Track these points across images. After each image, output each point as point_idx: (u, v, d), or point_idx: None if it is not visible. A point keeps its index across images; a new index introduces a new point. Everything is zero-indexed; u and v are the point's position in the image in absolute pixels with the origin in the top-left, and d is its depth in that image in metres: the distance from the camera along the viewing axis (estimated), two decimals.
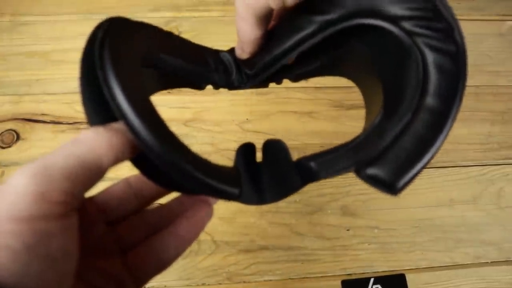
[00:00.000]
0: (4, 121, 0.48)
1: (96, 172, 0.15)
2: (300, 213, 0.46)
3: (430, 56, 0.18)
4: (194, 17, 0.56)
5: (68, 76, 0.51)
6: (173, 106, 0.50)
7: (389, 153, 0.18)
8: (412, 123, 0.18)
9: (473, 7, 0.64)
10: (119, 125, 0.16)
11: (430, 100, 0.18)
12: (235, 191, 0.18)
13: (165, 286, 0.42)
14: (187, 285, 0.42)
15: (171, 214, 0.21)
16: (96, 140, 0.15)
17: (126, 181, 0.21)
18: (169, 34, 0.23)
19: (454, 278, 0.45)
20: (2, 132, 0.48)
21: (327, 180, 0.50)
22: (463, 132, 0.54)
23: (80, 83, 0.17)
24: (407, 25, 0.18)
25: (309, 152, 0.49)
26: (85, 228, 0.17)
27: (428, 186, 0.50)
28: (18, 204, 0.13)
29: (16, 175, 0.13)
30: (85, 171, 0.15)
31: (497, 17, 0.64)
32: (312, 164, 0.21)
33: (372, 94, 0.24)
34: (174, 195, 0.23)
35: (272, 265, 0.43)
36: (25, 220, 0.13)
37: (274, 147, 0.23)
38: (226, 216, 0.45)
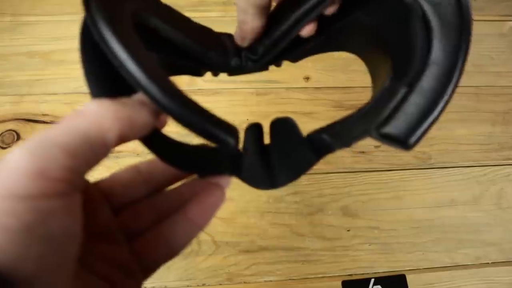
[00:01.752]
0: (4, 121, 0.48)
1: (100, 148, 0.14)
2: (300, 213, 0.46)
3: (431, 12, 0.18)
4: (194, 17, 0.55)
5: (68, 76, 0.51)
6: None
7: (401, 111, 0.18)
8: (421, 79, 0.18)
9: (474, 7, 0.64)
10: (126, 99, 0.15)
11: (436, 54, 0.18)
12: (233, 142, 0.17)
13: (165, 287, 0.42)
14: (188, 286, 0.42)
15: (181, 199, 0.20)
16: (100, 113, 0.14)
17: (135, 167, 0.20)
18: (170, 8, 0.22)
19: (454, 278, 0.45)
20: (3, 133, 0.48)
21: (327, 180, 0.51)
22: (464, 132, 0.54)
23: (81, 52, 0.16)
24: None
25: None
26: (89, 213, 0.16)
27: (429, 187, 0.49)
28: (16, 181, 0.12)
29: (14, 151, 0.12)
30: (88, 146, 0.13)
31: (498, 18, 0.64)
32: (325, 136, 0.20)
33: (377, 63, 0.23)
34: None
35: (273, 266, 0.43)
36: (23, 198, 0.12)
37: (283, 125, 0.22)
38: (226, 216, 0.45)
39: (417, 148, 0.52)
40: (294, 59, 0.25)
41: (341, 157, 0.50)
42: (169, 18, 0.21)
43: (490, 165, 0.52)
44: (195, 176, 0.20)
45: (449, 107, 0.58)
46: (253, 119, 0.50)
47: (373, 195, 0.48)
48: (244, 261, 0.43)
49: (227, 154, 0.20)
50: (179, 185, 0.21)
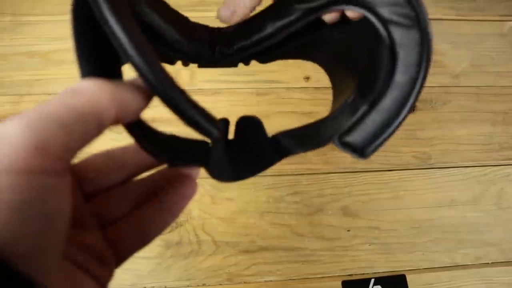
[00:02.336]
0: None
1: (95, 127, 0.13)
2: (300, 213, 0.46)
3: (399, 41, 0.20)
4: (194, 17, 0.56)
5: (68, 76, 0.51)
6: None
7: (361, 125, 0.20)
8: (381, 100, 0.20)
9: (474, 7, 0.64)
10: (120, 81, 0.15)
11: (398, 79, 0.20)
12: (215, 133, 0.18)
13: (165, 287, 0.42)
14: (188, 286, 0.42)
15: (154, 187, 0.20)
16: (96, 93, 0.14)
17: (108, 153, 0.19)
18: None
19: (454, 278, 0.45)
20: None
21: (328, 180, 0.51)
22: (464, 132, 0.54)
23: (73, 31, 0.16)
24: (381, 12, 0.20)
25: (310, 153, 0.49)
26: None
27: (429, 187, 0.49)
28: (15, 156, 0.11)
29: (9, 125, 0.12)
30: (83, 125, 0.13)
31: (498, 18, 0.64)
32: (289, 139, 0.22)
33: (342, 79, 0.25)
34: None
35: (273, 266, 0.43)
36: (23, 174, 0.11)
37: (249, 123, 0.23)
38: (226, 216, 0.45)
39: (417, 148, 0.52)
40: (264, 61, 0.26)
41: (341, 157, 0.50)
42: (151, 1, 0.21)
43: (490, 165, 0.52)
44: (165, 166, 0.21)
45: (449, 107, 0.58)
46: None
47: (373, 195, 0.48)
48: (244, 261, 0.43)
49: (205, 146, 0.21)
50: (151, 174, 0.21)
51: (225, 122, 0.23)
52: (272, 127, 0.52)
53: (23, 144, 0.12)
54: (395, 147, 0.51)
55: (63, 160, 0.13)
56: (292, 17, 0.21)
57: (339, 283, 0.43)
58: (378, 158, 0.50)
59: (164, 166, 0.21)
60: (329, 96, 0.56)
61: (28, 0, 0.57)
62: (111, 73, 0.16)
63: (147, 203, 0.19)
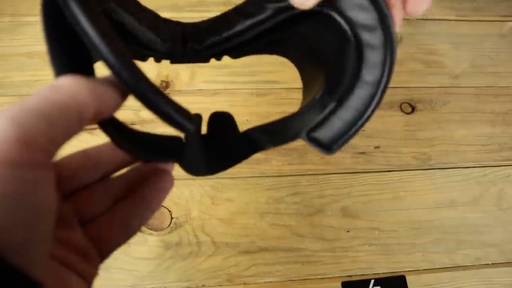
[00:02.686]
0: None
1: (77, 121, 0.14)
2: (300, 214, 0.46)
3: (365, 40, 0.20)
4: (194, 17, 0.56)
5: None
6: None
7: (329, 121, 0.21)
8: (348, 98, 0.21)
9: (474, 8, 0.64)
10: (97, 78, 0.16)
11: (364, 79, 0.21)
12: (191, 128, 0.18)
13: None
14: (187, 287, 0.42)
15: (131, 183, 0.21)
16: (76, 88, 0.14)
17: (83, 152, 0.20)
18: None
19: (454, 279, 0.45)
20: None
21: (327, 181, 0.51)
22: (464, 133, 0.54)
23: (44, 29, 0.16)
24: (349, 14, 0.21)
25: (310, 154, 0.49)
26: None
27: (429, 188, 0.49)
28: (1, 149, 0.11)
29: None
30: (65, 119, 0.13)
31: (498, 18, 0.64)
32: (260, 134, 0.23)
33: (311, 75, 0.26)
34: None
35: (272, 267, 0.43)
36: (9, 166, 0.12)
37: (221, 119, 0.24)
38: (226, 217, 0.45)
39: (417, 149, 0.52)
40: (235, 56, 0.26)
41: (341, 158, 0.50)
42: (122, 1, 0.21)
43: (490, 166, 0.52)
44: (140, 162, 0.21)
45: (449, 108, 0.58)
46: (253, 120, 0.50)
47: (373, 196, 0.48)
48: (243, 262, 0.43)
49: (179, 142, 0.22)
50: (128, 171, 0.21)
51: (198, 117, 0.23)
52: None
53: (7, 137, 0.12)
54: (395, 148, 0.51)
55: (47, 153, 0.13)
56: (262, 16, 0.22)
57: (339, 284, 0.43)
58: (377, 159, 0.50)
59: (139, 163, 0.21)
60: None
61: (27, 0, 0.57)
62: (85, 71, 0.17)
63: (125, 199, 0.20)
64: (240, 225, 0.45)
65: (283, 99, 0.52)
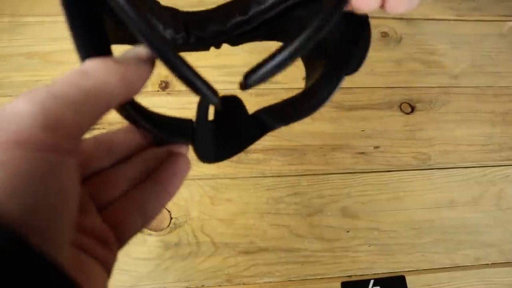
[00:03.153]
0: None
1: (105, 107, 0.14)
2: (299, 214, 0.46)
3: (350, 21, 0.21)
4: None
5: None
6: (172, 107, 0.50)
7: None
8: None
9: (474, 7, 0.64)
10: (123, 57, 0.15)
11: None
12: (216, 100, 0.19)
13: None
14: (187, 287, 0.42)
15: (147, 167, 0.20)
16: (106, 73, 0.14)
17: (94, 138, 0.20)
18: None
19: (454, 279, 0.45)
20: None
21: (327, 181, 0.51)
22: (464, 133, 0.54)
23: (67, 9, 0.16)
24: None
25: (309, 154, 0.49)
26: None
27: (428, 188, 0.49)
28: (29, 131, 0.11)
29: (19, 102, 0.12)
30: (93, 106, 0.13)
31: (497, 18, 0.64)
32: (270, 114, 0.23)
33: (311, 58, 0.26)
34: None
35: (272, 267, 0.43)
36: (37, 149, 0.12)
37: (230, 103, 0.23)
38: (225, 217, 0.45)
39: (416, 149, 0.52)
40: (235, 43, 0.26)
41: (340, 158, 0.50)
42: None
43: (489, 166, 0.52)
44: (154, 146, 0.21)
45: (449, 108, 0.58)
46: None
47: (372, 196, 0.48)
48: (243, 262, 0.43)
49: (190, 125, 0.22)
50: (143, 154, 0.21)
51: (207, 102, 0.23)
52: None
53: (35, 121, 0.12)
54: (394, 148, 0.51)
55: (73, 139, 0.13)
56: (266, 5, 0.22)
57: (339, 284, 0.43)
58: (377, 159, 0.50)
59: (154, 147, 0.21)
60: None
61: (27, 1, 0.57)
62: (107, 52, 0.17)
63: (142, 183, 0.20)
64: (240, 226, 0.45)
65: (282, 99, 0.52)
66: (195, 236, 0.44)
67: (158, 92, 0.51)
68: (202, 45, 0.24)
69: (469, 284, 0.45)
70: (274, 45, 0.28)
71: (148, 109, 0.20)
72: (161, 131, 0.19)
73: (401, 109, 0.54)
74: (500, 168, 0.52)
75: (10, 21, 0.55)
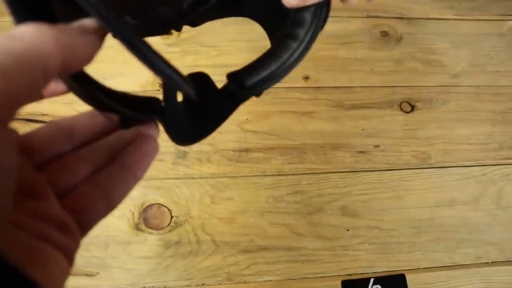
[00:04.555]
0: None
1: (41, 74, 0.12)
2: (300, 213, 0.46)
3: None
4: None
5: None
6: None
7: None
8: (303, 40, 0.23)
9: (473, 7, 0.64)
10: (65, 25, 0.14)
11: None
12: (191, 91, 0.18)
13: (165, 287, 0.42)
14: (187, 285, 0.42)
15: (112, 150, 0.19)
16: (39, 37, 0.12)
17: (54, 123, 0.19)
18: None
19: (454, 278, 0.45)
20: None
21: (327, 180, 0.51)
22: (464, 132, 0.54)
23: None
24: None
25: (309, 153, 0.49)
26: None
27: (428, 186, 0.49)
28: None
29: None
30: (26, 72, 0.12)
31: (497, 17, 0.64)
32: (239, 86, 0.22)
33: (272, 25, 0.26)
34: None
35: (272, 266, 0.43)
36: None
37: (198, 79, 0.23)
38: (226, 216, 0.45)
39: (417, 148, 0.52)
40: (195, 24, 0.25)
41: (341, 157, 0.50)
42: None
43: (489, 165, 0.52)
44: (120, 129, 0.20)
45: (449, 107, 0.58)
46: (253, 119, 0.50)
47: (372, 195, 0.48)
48: (243, 261, 0.43)
49: (157, 103, 0.20)
50: (108, 137, 0.20)
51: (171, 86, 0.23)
52: (272, 127, 0.53)
53: None
54: (394, 147, 0.51)
55: (7, 109, 0.12)
56: None
57: (339, 283, 0.43)
58: (377, 158, 0.50)
59: (119, 131, 0.20)
60: (328, 95, 0.56)
61: None
62: (48, 18, 0.15)
63: (107, 166, 0.18)
64: (240, 224, 0.45)
65: (282, 98, 0.52)
66: (195, 235, 0.44)
67: (159, 92, 0.51)
68: (162, 29, 0.23)
69: (469, 282, 0.45)
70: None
71: (108, 87, 0.18)
72: (124, 108, 0.18)
73: (401, 108, 0.54)
74: (500, 167, 0.52)
75: (10, 20, 0.55)
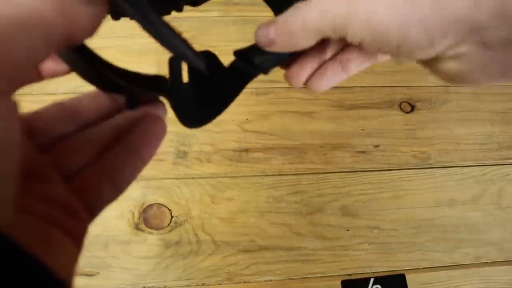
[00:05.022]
0: None
1: (42, 42, 0.11)
2: (300, 213, 0.46)
3: None
4: (194, 17, 0.56)
5: (67, 76, 0.51)
6: None
7: None
8: None
9: None
10: None
11: None
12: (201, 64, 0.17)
13: (165, 286, 0.42)
14: (187, 285, 0.42)
15: (118, 131, 0.18)
16: (41, 2, 0.11)
17: (58, 104, 0.18)
18: None
19: (454, 278, 0.45)
20: None
21: (327, 180, 0.51)
22: (463, 132, 0.54)
23: None
24: None
25: (309, 153, 0.49)
26: None
27: (428, 186, 0.49)
28: None
29: None
30: (27, 38, 0.11)
31: None
32: (246, 60, 0.21)
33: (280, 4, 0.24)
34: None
35: (272, 265, 0.43)
36: None
37: (205, 58, 0.22)
38: (226, 216, 0.45)
39: (416, 148, 0.52)
40: (195, 4, 0.24)
41: (341, 157, 0.50)
42: None
43: (489, 165, 0.52)
44: (126, 109, 0.19)
45: (449, 107, 0.58)
46: (253, 119, 0.50)
47: (372, 195, 0.48)
48: (243, 261, 0.43)
49: (163, 82, 0.19)
50: (115, 117, 0.19)
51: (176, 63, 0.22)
52: (272, 127, 0.53)
53: None
54: (394, 147, 0.51)
55: (8, 79, 0.11)
56: None
57: (339, 283, 0.43)
58: (377, 157, 0.51)
59: (125, 111, 0.19)
60: (328, 95, 0.56)
61: None
62: None
63: (113, 148, 0.18)
64: (240, 224, 0.45)
65: (283, 98, 0.52)
66: (195, 234, 0.44)
67: None
68: (162, 10, 0.22)
69: (469, 282, 0.45)
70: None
71: (111, 63, 0.17)
72: (131, 85, 0.17)
73: (401, 108, 0.54)
74: (500, 167, 0.52)
75: None
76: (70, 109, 0.18)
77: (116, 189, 0.17)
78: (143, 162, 0.18)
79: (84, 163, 0.17)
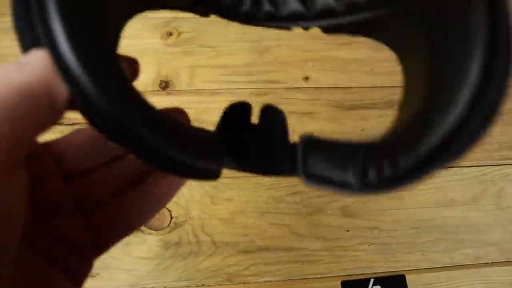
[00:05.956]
0: None
1: (48, 110, 0.11)
2: (300, 213, 0.46)
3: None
4: (194, 17, 0.56)
5: None
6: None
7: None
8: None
9: None
10: None
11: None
12: (215, 168, 0.14)
13: (164, 287, 0.42)
14: (187, 286, 0.42)
15: (140, 172, 0.18)
16: (45, 65, 0.11)
17: (88, 133, 0.17)
18: None
19: (454, 278, 0.45)
20: None
21: None
22: None
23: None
24: None
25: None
26: (37, 180, 0.14)
27: (428, 187, 0.49)
28: None
29: None
30: (33, 108, 0.10)
31: None
32: (316, 159, 0.15)
33: (415, 67, 0.17)
34: None
35: (272, 266, 0.43)
36: None
37: (274, 116, 0.19)
38: (225, 217, 0.45)
39: None
40: (325, 30, 0.20)
41: None
42: None
43: (489, 165, 0.52)
44: None
45: None
46: (253, 119, 0.50)
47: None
48: (243, 262, 0.43)
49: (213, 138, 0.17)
50: None
51: (244, 106, 0.18)
52: None
53: None
54: None
55: (12, 154, 0.10)
56: None
57: (339, 283, 0.43)
58: None
59: None
60: (328, 96, 0.56)
61: None
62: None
63: (132, 188, 0.17)
64: (240, 225, 0.45)
65: (282, 98, 0.52)
66: (195, 235, 0.44)
67: (158, 92, 0.51)
68: (278, 20, 0.19)
69: (469, 283, 0.45)
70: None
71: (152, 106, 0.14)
72: (183, 155, 0.13)
73: None
74: (500, 167, 0.52)
75: (10, 20, 0.56)
76: (97, 140, 0.17)
77: (129, 228, 0.17)
78: (159, 207, 0.18)
79: (101, 199, 0.17)
